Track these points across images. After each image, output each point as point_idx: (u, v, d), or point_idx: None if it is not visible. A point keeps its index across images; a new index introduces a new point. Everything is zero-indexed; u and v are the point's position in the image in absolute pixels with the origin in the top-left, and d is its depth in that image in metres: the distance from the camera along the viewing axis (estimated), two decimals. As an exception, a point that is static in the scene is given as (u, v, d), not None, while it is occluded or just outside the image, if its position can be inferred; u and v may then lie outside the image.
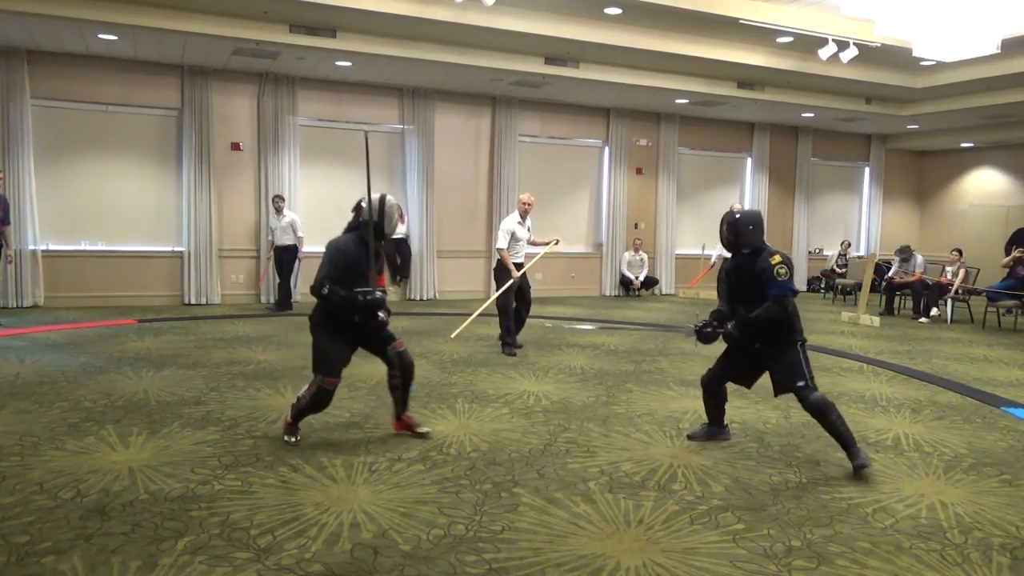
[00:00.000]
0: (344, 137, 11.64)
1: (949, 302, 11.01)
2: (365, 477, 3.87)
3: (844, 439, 4.06)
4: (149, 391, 5.53)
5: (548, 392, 5.86)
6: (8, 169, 9.52)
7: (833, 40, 9.14)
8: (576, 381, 6.28)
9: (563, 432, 4.78)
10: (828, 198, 15.87)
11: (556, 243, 7.83)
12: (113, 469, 3.87)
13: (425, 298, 11.96)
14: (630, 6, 8.53)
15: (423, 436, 4.51)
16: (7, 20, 8.29)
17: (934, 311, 11.12)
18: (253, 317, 9.64)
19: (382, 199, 4.39)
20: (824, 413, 4.06)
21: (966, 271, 11.31)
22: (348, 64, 10.11)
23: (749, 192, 14.77)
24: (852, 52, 9.28)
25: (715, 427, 4.68)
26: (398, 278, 11.86)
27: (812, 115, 13.44)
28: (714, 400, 4.63)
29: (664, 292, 13.88)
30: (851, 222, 16.28)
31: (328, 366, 4.25)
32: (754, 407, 5.47)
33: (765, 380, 4.46)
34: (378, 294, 4.29)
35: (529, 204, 7.52)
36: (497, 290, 7.40)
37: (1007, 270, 10.67)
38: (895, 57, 10.17)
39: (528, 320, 7.78)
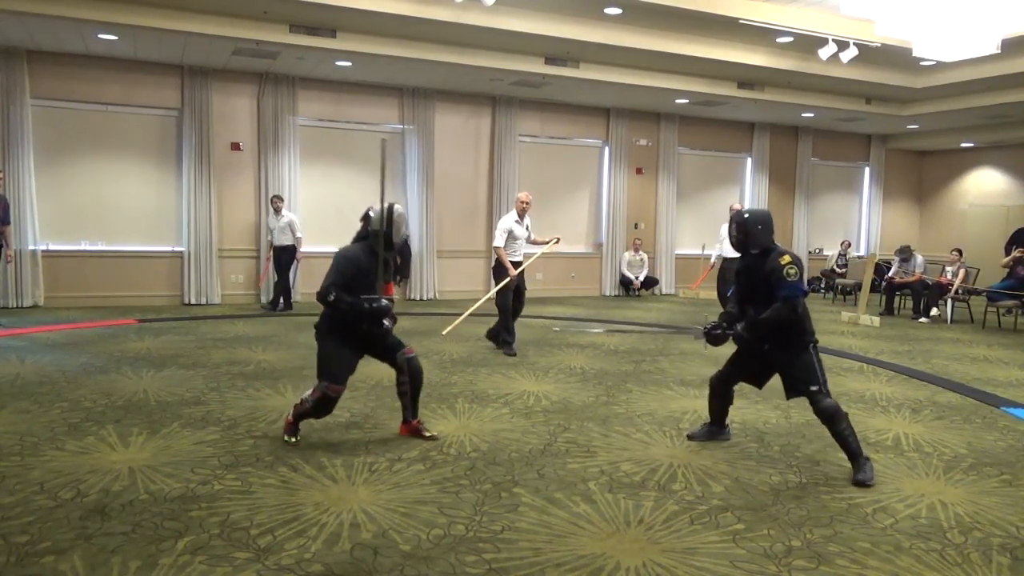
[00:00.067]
0: (344, 137, 11.65)
1: (949, 302, 11.02)
2: (365, 477, 3.87)
3: (851, 449, 4.01)
4: (149, 391, 5.53)
5: (548, 392, 5.86)
6: (8, 169, 9.52)
7: (833, 40, 9.14)
8: (576, 381, 6.28)
9: (563, 432, 4.78)
10: (828, 198, 15.87)
11: (556, 242, 7.82)
12: (113, 469, 3.87)
13: (425, 298, 11.96)
14: (630, 6, 8.54)
15: (431, 439, 4.51)
16: (7, 20, 8.29)
17: (934, 311, 11.12)
18: (253, 317, 9.64)
19: (391, 209, 4.37)
20: (835, 421, 4.00)
21: (966, 271, 11.31)
22: (348, 64, 10.11)
23: (749, 192, 14.77)
24: (852, 52, 9.28)
25: (715, 427, 4.66)
26: (398, 278, 11.87)
27: (812, 115, 13.44)
28: (720, 402, 4.58)
29: (664, 292, 13.88)
30: (851, 222, 16.28)
31: (333, 373, 4.24)
32: (754, 407, 5.47)
33: (773, 382, 4.45)
34: (384, 302, 4.27)
35: (527, 203, 7.51)
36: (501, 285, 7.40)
37: (1007, 270, 10.67)
38: (895, 57, 10.17)
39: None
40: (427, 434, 4.53)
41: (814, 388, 4.03)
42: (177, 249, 10.75)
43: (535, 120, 12.81)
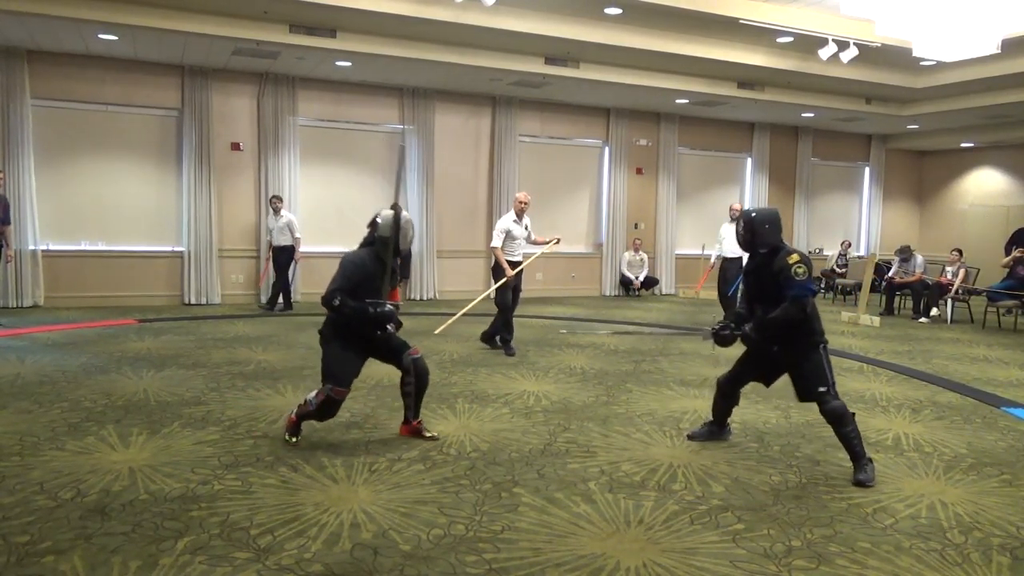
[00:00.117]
0: (344, 137, 11.65)
1: (949, 302, 11.02)
2: (365, 477, 3.87)
3: (855, 451, 3.99)
4: (149, 391, 5.53)
5: (548, 392, 5.86)
6: (8, 169, 9.52)
7: (833, 40, 9.14)
8: (576, 381, 6.28)
9: (563, 432, 4.78)
10: (828, 198, 15.87)
11: (557, 242, 7.78)
12: (113, 469, 3.87)
13: (425, 298, 11.96)
14: (630, 6, 8.53)
15: (431, 439, 4.51)
16: (7, 20, 8.29)
17: (934, 311, 11.12)
18: (253, 317, 9.64)
19: (397, 215, 4.36)
20: (842, 423, 3.97)
21: (966, 271, 11.31)
22: (348, 64, 10.11)
23: (749, 192, 14.77)
24: (852, 52, 9.28)
25: (716, 427, 4.65)
26: (399, 278, 11.87)
27: (812, 115, 13.44)
28: (725, 402, 4.55)
29: (664, 292, 13.88)
30: (851, 222, 16.28)
31: (337, 376, 4.22)
32: (754, 407, 5.46)
33: (780, 384, 4.45)
34: (388, 307, 4.26)
35: (525, 203, 7.48)
36: (493, 290, 7.39)
37: (1007, 270, 10.67)
38: (895, 57, 10.16)
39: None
40: (427, 434, 4.53)
41: (822, 389, 4.00)
42: (177, 249, 10.75)
43: (535, 120, 12.81)
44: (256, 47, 9.21)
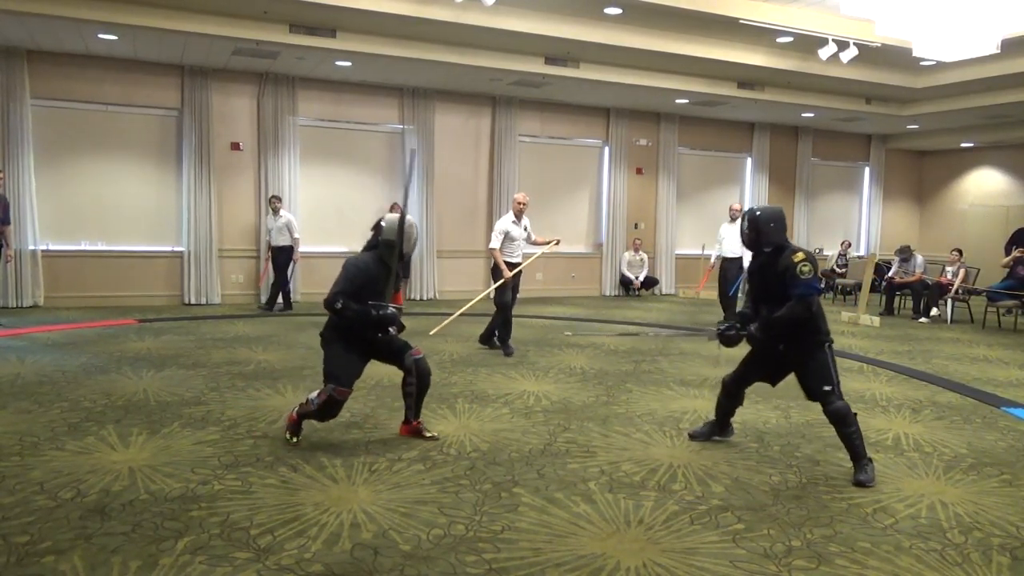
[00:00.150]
0: (344, 137, 11.65)
1: (949, 302, 11.02)
2: (365, 477, 3.87)
3: (856, 451, 3.98)
4: (149, 391, 5.53)
5: (548, 392, 5.86)
6: (8, 169, 9.52)
7: (833, 40, 9.14)
8: (576, 381, 6.28)
9: (563, 432, 4.78)
10: (828, 198, 15.87)
11: (557, 243, 7.76)
12: (113, 469, 3.87)
13: (425, 298, 11.96)
14: (630, 6, 8.54)
15: (431, 439, 4.51)
16: (7, 20, 8.29)
17: (934, 311, 11.12)
18: (253, 317, 9.64)
19: (402, 219, 4.36)
20: (845, 423, 3.96)
21: (966, 271, 11.31)
22: (348, 64, 10.11)
23: (749, 192, 14.78)
24: (852, 52, 9.28)
25: (717, 426, 4.63)
26: (402, 281, 11.87)
27: (812, 115, 13.44)
28: (729, 402, 4.51)
29: (664, 292, 13.89)
30: (851, 222, 16.28)
31: (340, 376, 4.22)
32: (754, 407, 5.46)
33: (784, 384, 4.44)
34: (391, 309, 4.26)
35: (523, 203, 7.43)
36: (492, 289, 7.36)
37: (1007, 270, 10.67)
38: (895, 57, 10.17)
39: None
40: (427, 434, 4.53)
41: (827, 388, 3.98)
42: (177, 249, 10.75)
43: (535, 120, 12.81)
44: (256, 47, 9.21)
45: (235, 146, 10.95)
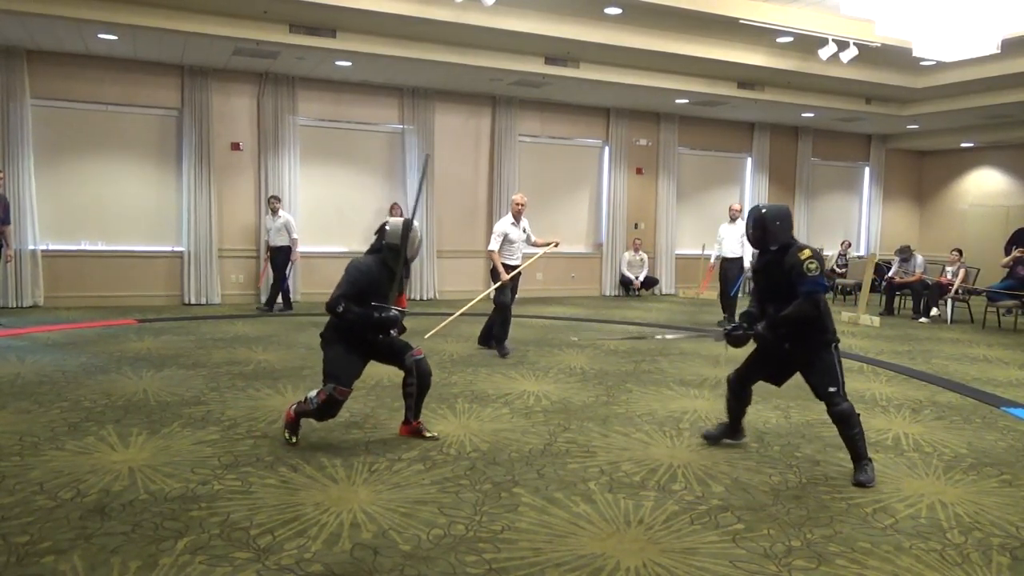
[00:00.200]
0: (344, 137, 11.65)
1: (949, 302, 11.02)
2: (365, 477, 3.87)
3: (857, 452, 3.97)
4: (149, 391, 5.53)
5: (548, 392, 5.86)
6: (8, 169, 9.52)
7: (833, 40, 9.14)
8: (576, 381, 6.28)
9: (563, 432, 4.78)
10: (828, 198, 15.87)
11: (556, 245, 7.72)
12: (113, 469, 3.87)
13: (425, 298, 11.96)
14: (630, 6, 8.54)
15: (431, 439, 4.51)
16: (7, 20, 8.29)
17: (934, 311, 11.12)
18: (253, 317, 9.64)
19: (407, 224, 4.35)
20: (849, 424, 3.94)
21: (966, 271, 11.32)
22: (348, 64, 10.12)
23: (749, 192, 14.77)
24: (852, 52, 9.28)
25: (731, 427, 4.55)
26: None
27: (812, 115, 13.44)
28: (737, 402, 4.46)
29: (664, 292, 13.89)
30: (851, 222, 16.28)
31: (340, 376, 4.21)
32: (754, 407, 5.42)
33: (790, 385, 4.44)
34: (394, 312, 4.25)
35: (522, 204, 7.37)
36: (490, 291, 7.32)
37: (1007, 270, 10.67)
38: (895, 57, 10.17)
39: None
40: (427, 434, 4.53)
41: (832, 389, 3.96)
42: (177, 249, 10.75)
43: (535, 120, 12.81)
44: (256, 47, 9.21)
45: (235, 146, 10.95)
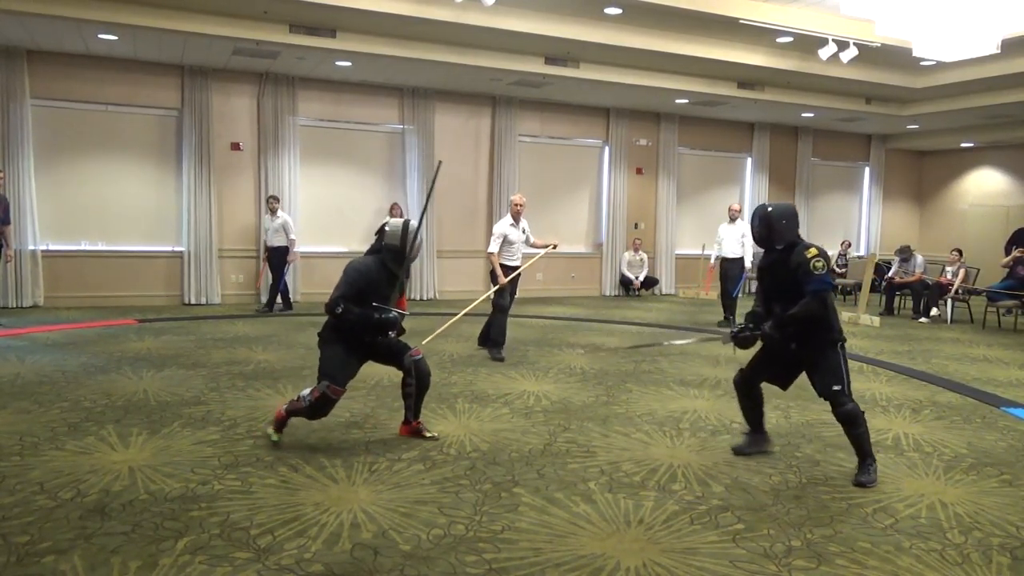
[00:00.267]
0: (344, 137, 11.65)
1: (949, 302, 11.02)
2: (365, 477, 3.87)
3: (863, 450, 3.95)
4: (149, 391, 5.53)
5: (548, 392, 5.86)
6: (8, 169, 9.52)
7: (833, 40, 9.14)
8: (576, 381, 6.28)
9: (563, 432, 4.78)
10: (828, 198, 15.87)
11: (554, 247, 7.68)
12: (113, 469, 3.87)
13: (425, 298, 11.96)
14: (630, 6, 8.53)
15: (431, 439, 4.50)
16: (7, 20, 8.29)
17: (934, 311, 11.12)
18: (253, 317, 9.64)
19: (406, 225, 4.34)
20: (855, 424, 3.92)
21: (966, 271, 11.31)
22: (348, 64, 10.11)
23: (749, 192, 14.77)
24: (852, 52, 9.28)
25: (759, 435, 4.43)
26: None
27: (812, 115, 13.44)
28: (751, 404, 4.39)
29: (664, 292, 13.88)
30: (851, 222, 16.28)
31: (335, 376, 4.19)
32: (754, 407, 5.46)
33: (796, 381, 4.43)
34: (393, 313, 4.23)
35: (521, 205, 7.32)
36: (490, 292, 7.26)
37: (1007, 270, 10.67)
38: (895, 57, 10.17)
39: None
40: (427, 434, 4.53)
41: (836, 387, 3.92)
42: (177, 249, 10.75)
43: (535, 120, 12.81)
44: (256, 47, 9.21)
45: (235, 146, 10.95)
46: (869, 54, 9.87)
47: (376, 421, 4.88)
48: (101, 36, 8.95)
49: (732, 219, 10.04)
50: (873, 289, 11.82)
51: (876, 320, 10.36)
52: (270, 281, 10.46)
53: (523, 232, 7.40)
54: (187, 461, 4.01)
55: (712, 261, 10.46)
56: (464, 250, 12.36)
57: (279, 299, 10.36)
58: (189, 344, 7.49)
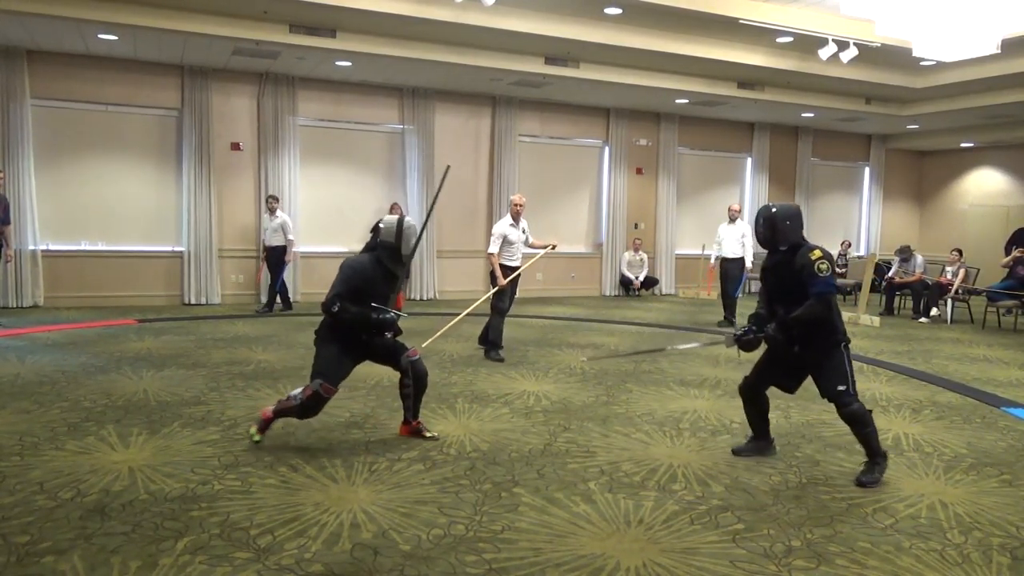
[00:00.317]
0: (344, 137, 11.65)
1: (949, 302, 11.02)
2: (365, 477, 3.87)
3: (872, 448, 3.93)
4: (149, 391, 5.53)
5: (548, 392, 5.85)
6: (8, 169, 9.52)
7: (833, 40, 9.14)
8: (576, 381, 6.28)
9: (563, 432, 4.78)
10: (828, 198, 15.87)
11: (553, 248, 7.66)
12: (113, 469, 3.87)
13: (425, 298, 11.96)
14: (630, 6, 8.53)
15: (431, 439, 4.50)
16: (7, 20, 8.29)
17: (934, 311, 11.12)
18: (253, 317, 9.64)
19: (400, 221, 4.32)
20: (862, 424, 3.90)
21: (966, 271, 11.31)
22: (348, 64, 10.11)
23: (749, 192, 14.77)
24: (852, 52, 9.28)
25: (762, 441, 4.40)
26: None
27: (812, 115, 13.44)
28: (756, 410, 4.34)
29: (664, 292, 13.88)
30: (851, 222, 16.28)
31: (329, 375, 4.17)
32: (754, 407, 5.46)
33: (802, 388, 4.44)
34: (391, 314, 4.22)
35: (521, 205, 7.29)
36: (490, 294, 7.25)
37: (1007, 270, 10.67)
38: (895, 57, 10.16)
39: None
40: (427, 434, 4.53)
41: (841, 388, 3.90)
42: (177, 249, 10.75)
43: (535, 120, 12.81)
44: (256, 47, 9.21)
45: (235, 146, 10.95)
46: (869, 54, 9.87)
47: (376, 421, 4.88)
48: (101, 36, 8.95)
49: (732, 219, 10.04)
50: (873, 289, 11.82)
51: (876, 320, 10.36)
52: (269, 282, 10.46)
53: (523, 232, 7.38)
54: (187, 461, 4.01)
55: (712, 261, 10.46)
56: (464, 250, 12.36)
57: (279, 299, 10.35)
58: (189, 344, 7.49)
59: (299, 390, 4.24)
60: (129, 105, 10.39)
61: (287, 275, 10.47)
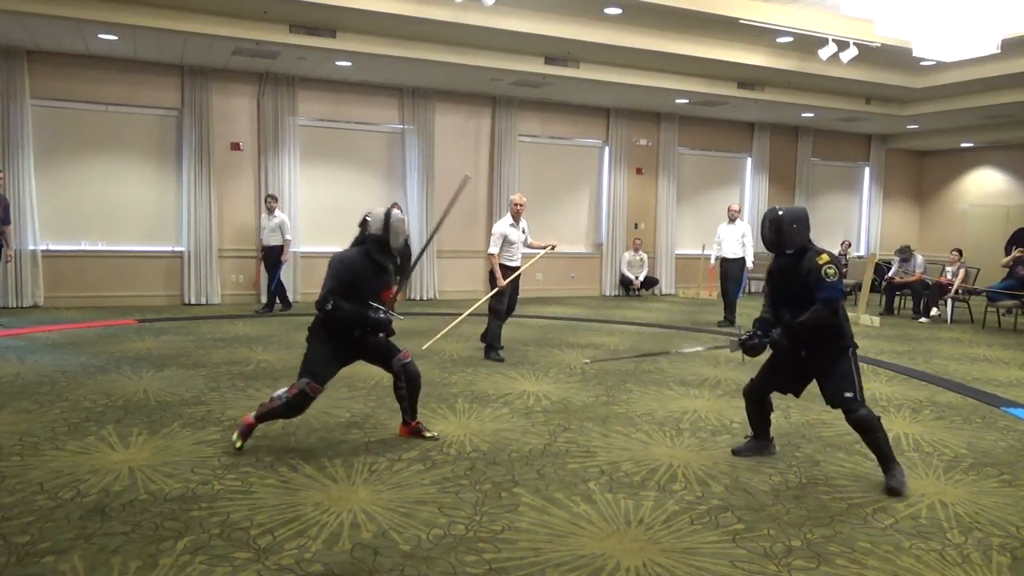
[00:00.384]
0: (344, 137, 11.65)
1: (949, 302, 11.02)
2: (365, 477, 3.87)
3: (885, 456, 3.88)
4: (149, 391, 5.53)
5: (548, 392, 5.85)
6: (8, 169, 9.52)
7: (833, 40, 9.14)
8: (576, 381, 6.28)
9: (563, 432, 4.78)
10: (828, 198, 15.86)
11: (552, 248, 7.64)
12: (113, 469, 3.87)
13: (425, 298, 11.96)
14: (630, 6, 8.53)
15: (431, 439, 4.50)
16: (7, 20, 8.29)
17: (934, 311, 11.12)
18: (253, 317, 9.64)
19: (388, 213, 4.28)
20: (871, 430, 3.85)
21: (966, 271, 11.32)
22: (348, 64, 10.11)
23: (749, 192, 14.78)
24: (852, 52, 9.28)
25: (762, 441, 4.40)
26: (398, 279, 11.83)
27: (812, 115, 13.44)
28: (759, 411, 4.32)
29: (664, 292, 13.88)
30: (851, 222, 16.28)
31: (316, 373, 4.13)
32: (754, 407, 5.45)
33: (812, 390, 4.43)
34: (385, 315, 4.19)
35: (521, 205, 7.25)
36: (490, 295, 7.23)
37: (1007, 270, 10.67)
38: (895, 57, 10.16)
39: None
40: (427, 434, 4.53)
41: (848, 394, 3.83)
42: (177, 249, 10.75)
43: (535, 120, 12.81)
44: (256, 47, 9.21)
45: (235, 146, 10.95)
46: (869, 54, 9.87)
47: (376, 421, 4.88)
48: (101, 36, 8.95)
49: (731, 219, 10.04)
50: (873, 289, 11.82)
51: (876, 320, 10.37)
52: (267, 282, 10.46)
53: (523, 232, 7.36)
54: (187, 461, 4.01)
55: (712, 261, 10.45)
56: (464, 250, 12.36)
57: (277, 299, 10.34)
58: (189, 344, 7.49)
59: (284, 390, 4.19)
60: (129, 105, 10.39)
61: (285, 275, 10.46)
